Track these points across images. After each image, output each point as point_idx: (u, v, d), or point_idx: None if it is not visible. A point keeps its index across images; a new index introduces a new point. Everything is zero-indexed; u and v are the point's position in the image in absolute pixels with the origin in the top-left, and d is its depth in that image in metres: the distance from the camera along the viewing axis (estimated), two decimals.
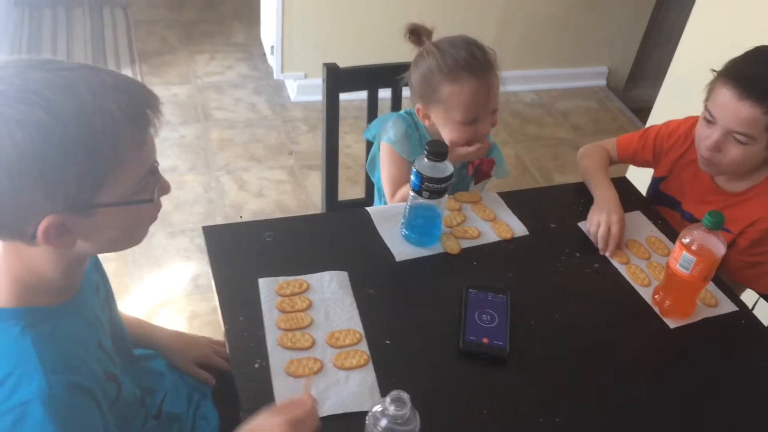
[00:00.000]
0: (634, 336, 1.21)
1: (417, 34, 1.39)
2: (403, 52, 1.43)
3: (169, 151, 2.72)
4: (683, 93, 2.09)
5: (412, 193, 1.23)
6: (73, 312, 0.87)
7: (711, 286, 1.26)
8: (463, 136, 1.38)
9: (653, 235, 1.39)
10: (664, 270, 1.23)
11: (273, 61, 3.10)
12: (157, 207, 0.87)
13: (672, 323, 1.21)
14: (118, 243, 0.87)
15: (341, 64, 1.60)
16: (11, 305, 0.81)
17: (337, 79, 1.56)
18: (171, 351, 1.22)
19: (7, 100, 0.70)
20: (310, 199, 2.62)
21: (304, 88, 3.10)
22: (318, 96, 3.04)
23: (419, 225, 1.27)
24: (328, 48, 2.97)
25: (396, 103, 1.65)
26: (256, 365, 1.05)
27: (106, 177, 0.76)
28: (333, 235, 1.32)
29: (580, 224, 1.40)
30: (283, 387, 1.02)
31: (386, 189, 1.47)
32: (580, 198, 1.46)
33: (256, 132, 2.93)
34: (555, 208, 1.45)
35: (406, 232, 1.29)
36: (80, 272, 0.89)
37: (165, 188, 0.87)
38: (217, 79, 3.23)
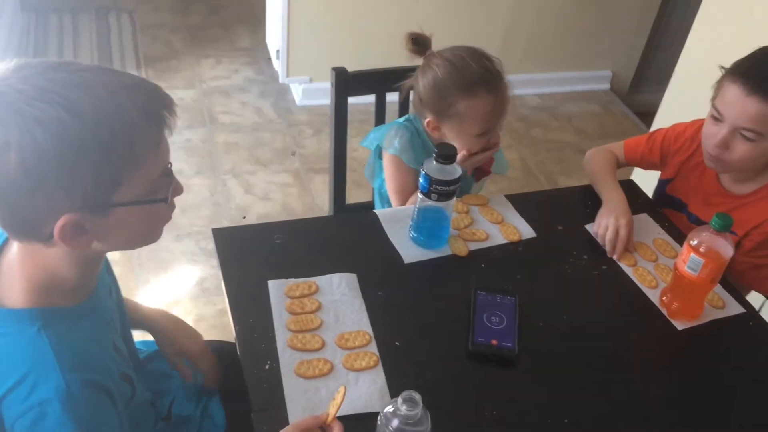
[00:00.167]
0: (642, 337, 1.22)
1: (419, 43, 1.40)
2: (407, 56, 1.44)
3: (176, 154, 2.70)
4: (688, 96, 2.10)
5: (420, 196, 1.24)
6: (88, 312, 0.88)
7: (718, 288, 1.27)
8: (476, 147, 1.40)
9: (660, 238, 1.40)
10: (672, 272, 1.23)
11: (278, 65, 3.11)
12: (171, 208, 0.88)
13: (680, 325, 1.22)
14: (133, 242, 0.88)
15: (346, 69, 1.60)
16: (27, 306, 0.81)
17: (346, 83, 1.57)
18: (161, 336, 1.18)
19: (27, 99, 0.71)
20: (316, 203, 2.63)
21: (310, 92, 3.11)
22: (323, 100, 3.07)
23: (427, 227, 1.28)
24: (333, 52, 2.97)
25: (403, 108, 1.66)
26: (267, 366, 1.05)
27: (123, 176, 0.77)
28: (342, 237, 1.33)
29: (588, 227, 1.40)
30: (293, 388, 1.02)
31: (394, 200, 1.48)
32: (588, 200, 1.47)
33: (261, 136, 2.94)
34: (562, 211, 1.45)
35: (415, 235, 1.30)
36: (95, 273, 0.90)
37: (178, 189, 0.88)
38: (222, 83, 3.24)
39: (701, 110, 1.41)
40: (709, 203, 1.44)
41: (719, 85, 1.31)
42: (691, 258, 1.15)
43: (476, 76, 1.35)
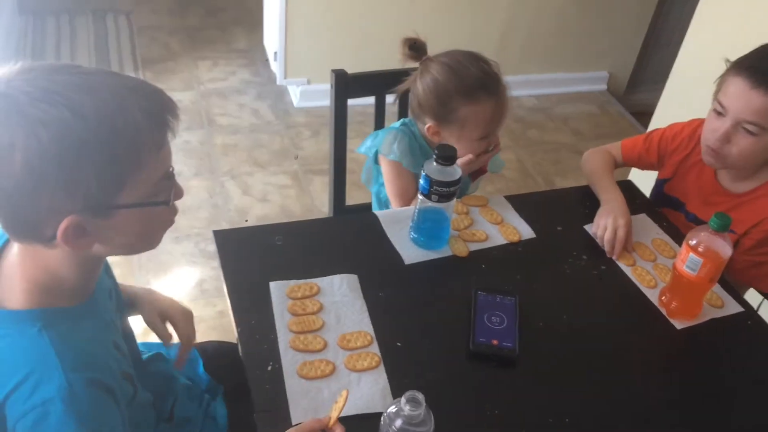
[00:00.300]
0: (642, 337, 1.22)
1: (415, 48, 1.41)
2: (403, 60, 1.45)
3: (174, 156, 2.65)
4: (685, 96, 2.11)
5: (420, 197, 1.24)
6: (88, 313, 0.88)
7: (717, 288, 1.28)
8: (477, 150, 1.42)
9: (659, 238, 1.41)
10: (671, 271, 1.24)
11: (276, 67, 3.12)
12: (173, 211, 0.89)
13: (679, 324, 1.22)
14: (134, 247, 0.88)
15: (346, 70, 1.61)
16: (28, 307, 0.82)
17: (345, 85, 1.57)
18: (140, 301, 1.18)
19: (32, 101, 0.72)
20: (315, 204, 2.64)
21: (307, 94, 3.12)
22: (321, 101, 3.08)
23: (428, 228, 1.29)
24: (331, 54, 2.99)
25: (403, 110, 1.66)
26: (269, 368, 1.06)
27: (126, 178, 0.77)
28: (342, 238, 1.34)
29: (587, 227, 1.41)
30: (296, 389, 1.03)
31: (396, 204, 1.48)
32: (586, 201, 1.47)
33: (259, 137, 2.95)
34: (561, 211, 1.46)
35: (415, 236, 1.30)
36: (95, 275, 0.91)
37: (179, 193, 0.88)
38: (220, 85, 3.24)
39: (698, 110, 1.42)
40: (707, 202, 1.45)
41: (722, 80, 1.31)
42: (689, 258, 1.16)
43: (477, 81, 1.36)
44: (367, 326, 1.14)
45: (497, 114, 1.39)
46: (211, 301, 2.17)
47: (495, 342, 1.12)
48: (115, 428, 0.83)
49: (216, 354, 1.32)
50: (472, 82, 1.35)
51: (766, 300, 1.52)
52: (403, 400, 0.86)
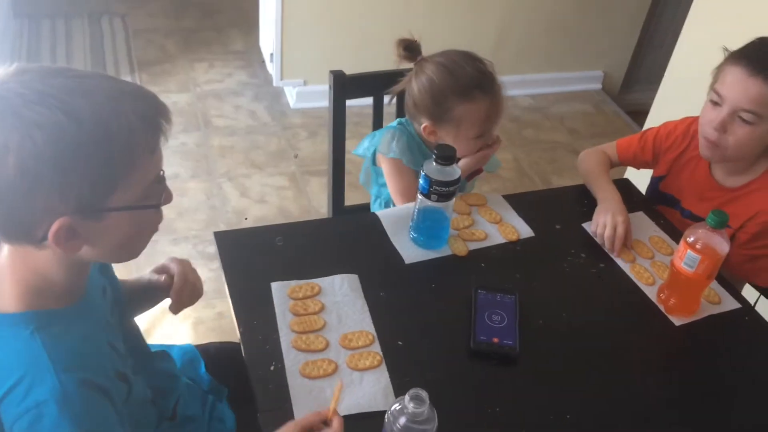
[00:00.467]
0: (641, 334, 1.23)
1: (410, 49, 1.42)
2: (398, 62, 1.46)
3: (171, 158, 2.73)
4: (680, 95, 2.13)
5: (420, 197, 1.25)
6: (80, 314, 0.88)
7: (714, 284, 1.29)
8: (474, 149, 1.43)
9: (656, 235, 1.42)
10: (669, 269, 1.25)
11: (272, 68, 3.12)
12: (160, 216, 0.89)
13: (677, 321, 1.23)
14: (121, 252, 0.88)
15: (344, 71, 1.62)
16: (20, 309, 0.82)
17: (343, 85, 1.58)
18: (145, 278, 1.18)
19: (27, 103, 0.73)
20: (312, 205, 2.64)
21: (304, 95, 3.12)
22: (317, 103, 3.09)
23: (427, 228, 1.30)
24: (327, 55, 2.99)
25: (399, 110, 1.67)
26: (272, 368, 1.06)
27: (118, 181, 0.78)
28: (342, 238, 1.34)
29: (585, 225, 1.42)
30: (299, 388, 1.03)
31: (399, 202, 1.48)
32: (584, 199, 1.48)
33: (256, 139, 2.95)
34: (559, 210, 1.47)
35: (415, 235, 1.31)
36: (85, 275, 0.91)
37: (169, 197, 0.88)
38: (216, 86, 3.24)
39: (692, 109, 1.43)
40: (702, 197, 1.46)
41: (720, 70, 1.33)
42: (687, 255, 1.17)
43: (472, 80, 1.37)
44: (368, 326, 1.15)
45: (493, 112, 1.40)
46: (211, 303, 2.17)
47: (496, 340, 1.13)
48: (110, 428, 0.83)
49: (218, 355, 1.32)
50: (467, 81, 1.37)
51: (762, 296, 1.53)
52: (406, 397, 0.87)
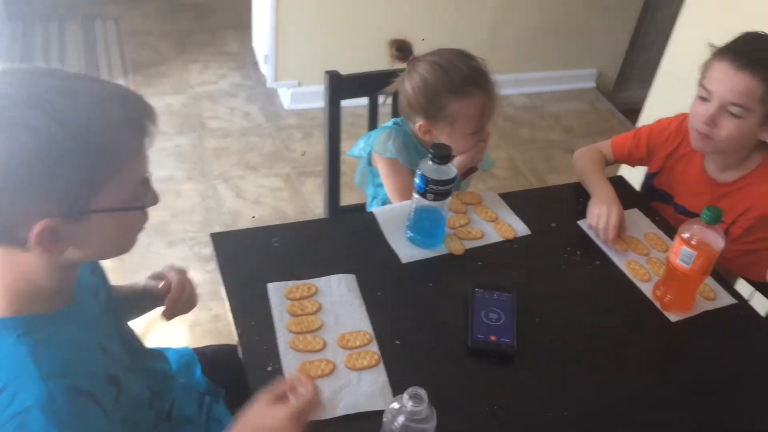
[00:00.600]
0: (637, 330, 1.24)
1: (402, 49, 1.42)
2: (391, 62, 1.46)
3: (165, 160, 2.73)
4: (673, 93, 2.13)
5: (416, 196, 1.25)
6: (68, 317, 0.88)
7: (709, 280, 1.29)
8: (469, 145, 1.43)
9: (651, 232, 1.42)
10: (665, 265, 1.26)
11: (266, 69, 3.12)
12: (146, 217, 0.89)
13: (673, 317, 1.24)
14: (106, 251, 0.88)
15: (339, 72, 1.62)
16: (6, 314, 0.81)
17: (339, 86, 1.58)
18: (140, 285, 1.18)
19: (14, 105, 0.73)
20: (308, 206, 2.64)
21: (298, 96, 3.12)
22: (311, 104, 3.09)
23: (424, 227, 1.30)
24: (321, 56, 2.99)
25: (394, 110, 1.67)
26: (269, 368, 1.06)
27: (103, 183, 0.78)
28: (339, 239, 1.34)
29: (580, 223, 1.43)
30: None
31: (397, 201, 1.49)
32: (579, 197, 1.49)
33: (251, 140, 2.95)
34: (555, 208, 1.48)
35: (411, 234, 1.31)
36: (72, 278, 0.90)
37: (154, 199, 0.88)
38: (210, 88, 3.24)
39: (685, 106, 1.44)
40: (695, 193, 1.47)
41: (707, 66, 1.34)
42: (683, 251, 1.17)
43: (465, 77, 1.37)
44: (365, 325, 1.15)
45: (487, 108, 1.41)
46: (207, 305, 2.17)
47: (493, 338, 1.13)
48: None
49: (215, 357, 1.32)
50: (461, 78, 1.37)
51: (757, 291, 1.54)
52: (405, 396, 0.87)
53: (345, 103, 1.61)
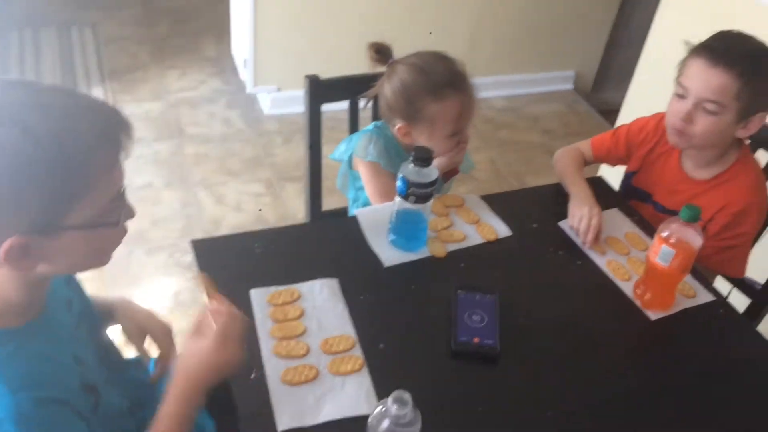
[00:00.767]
0: (618, 329, 1.25)
1: (381, 52, 1.43)
2: (371, 65, 1.46)
3: (144, 167, 2.70)
4: (650, 93, 2.16)
5: (398, 199, 1.25)
6: (39, 330, 0.86)
7: (689, 278, 1.31)
8: (449, 147, 1.44)
9: (631, 231, 1.44)
10: (644, 264, 1.27)
11: (246, 75, 3.11)
12: (122, 232, 0.87)
13: (653, 315, 1.25)
14: (79, 266, 0.87)
15: (317, 76, 1.61)
16: None
17: (319, 90, 1.58)
18: (117, 313, 1.14)
19: None
20: (289, 211, 2.63)
21: (278, 101, 3.11)
22: (291, 108, 3.08)
23: (406, 230, 1.30)
24: (300, 61, 2.98)
25: (375, 114, 1.67)
26: (253, 375, 1.05)
27: (75, 199, 0.76)
28: (321, 243, 1.34)
29: (561, 224, 1.43)
30: (280, 395, 1.03)
31: (378, 204, 1.49)
32: (559, 198, 1.50)
33: (231, 146, 2.93)
34: (535, 209, 1.48)
35: (393, 237, 1.31)
36: (42, 292, 0.89)
37: (130, 213, 0.87)
38: (189, 94, 3.22)
39: (662, 106, 1.46)
40: (673, 191, 1.49)
41: (683, 63, 1.37)
42: (662, 249, 1.18)
43: (443, 78, 1.38)
44: (349, 330, 1.14)
45: (466, 109, 1.41)
46: (188, 312, 2.15)
47: (476, 340, 1.13)
48: None
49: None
50: (439, 79, 1.38)
51: (735, 288, 1.56)
52: (389, 400, 0.87)
53: (325, 107, 1.61)
